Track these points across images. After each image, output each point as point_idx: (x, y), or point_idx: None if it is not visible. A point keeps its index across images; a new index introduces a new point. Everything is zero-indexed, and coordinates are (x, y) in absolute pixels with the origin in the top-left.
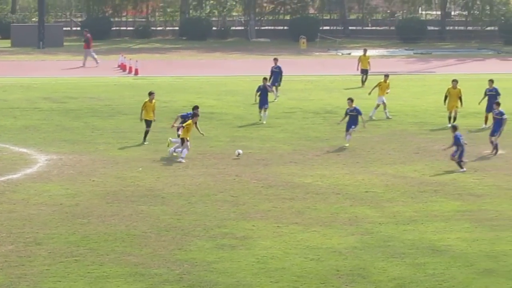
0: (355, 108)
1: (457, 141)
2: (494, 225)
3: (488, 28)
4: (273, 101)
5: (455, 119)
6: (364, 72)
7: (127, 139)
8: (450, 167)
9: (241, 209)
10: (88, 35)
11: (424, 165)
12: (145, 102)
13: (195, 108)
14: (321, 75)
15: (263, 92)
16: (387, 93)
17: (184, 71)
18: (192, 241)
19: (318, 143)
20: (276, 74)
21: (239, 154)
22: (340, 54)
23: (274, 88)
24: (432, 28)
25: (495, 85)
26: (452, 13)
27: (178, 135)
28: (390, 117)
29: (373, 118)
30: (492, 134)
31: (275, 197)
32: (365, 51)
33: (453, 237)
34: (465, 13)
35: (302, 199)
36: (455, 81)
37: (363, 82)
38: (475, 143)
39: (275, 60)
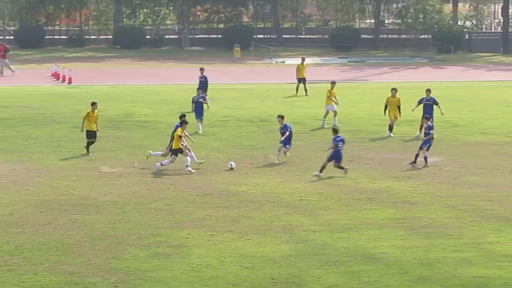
0: (285, 125)
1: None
2: (428, 233)
3: (422, 36)
4: (206, 110)
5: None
6: (302, 80)
7: (61, 148)
8: (385, 175)
9: (175, 218)
10: (4, 45)
11: (359, 173)
12: (88, 113)
13: (183, 116)
14: (255, 84)
15: (197, 103)
16: (334, 101)
17: (118, 79)
18: (126, 249)
19: (252, 152)
20: (202, 84)
21: (232, 167)
22: (274, 62)
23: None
24: (366, 36)
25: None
26: (386, 21)
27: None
28: (325, 126)
29: (337, 125)
30: (420, 147)
31: (209, 206)
32: (303, 59)
33: (388, 244)
34: (399, 21)
35: (236, 208)
36: (394, 90)
37: (297, 90)
38: (410, 151)
39: (201, 70)
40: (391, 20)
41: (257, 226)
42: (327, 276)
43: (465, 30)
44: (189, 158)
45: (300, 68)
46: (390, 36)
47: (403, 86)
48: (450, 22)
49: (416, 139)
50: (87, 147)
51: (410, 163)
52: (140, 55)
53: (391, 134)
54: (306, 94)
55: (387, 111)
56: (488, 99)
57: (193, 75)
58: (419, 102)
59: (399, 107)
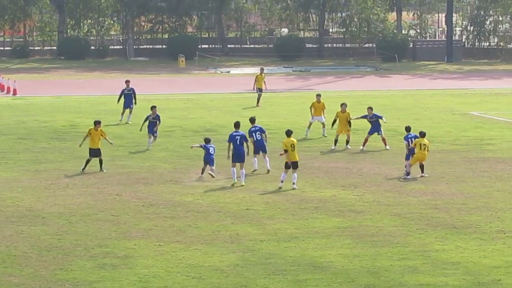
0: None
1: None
2: (375, 241)
3: (366, 45)
4: (126, 123)
5: (348, 142)
6: (260, 90)
7: (6, 159)
8: (331, 184)
9: (122, 228)
10: None
11: (305, 182)
12: (90, 130)
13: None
14: (200, 94)
15: (151, 123)
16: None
17: (63, 90)
18: (73, 260)
19: (198, 161)
20: (129, 97)
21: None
22: (219, 72)
23: (127, 111)
24: (310, 45)
25: (376, 102)
26: (330, 30)
27: None
28: (307, 135)
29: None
30: (407, 157)
31: (156, 216)
32: (261, 70)
33: (334, 253)
34: (343, 30)
35: (183, 217)
36: (344, 105)
37: (258, 101)
38: (356, 160)
39: (127, 82)
40: (335, 29)
41: (204, 236)
42: (274, 285)
43: (409, 38)
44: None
45: (258, 79)
46: (334, 45)
47: (348, 95)
48: (394, 31)
49: (361, 152)
50: (86, 163)
51: (421, 176)
52: (85, 66)
53: (333, 147)
54: (257, 105)
55: (335, 124)
56: (433, 108)
57: (137, 86)
58: (363, 117)
59: (349, 122)
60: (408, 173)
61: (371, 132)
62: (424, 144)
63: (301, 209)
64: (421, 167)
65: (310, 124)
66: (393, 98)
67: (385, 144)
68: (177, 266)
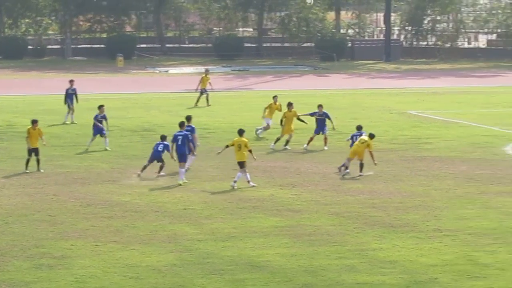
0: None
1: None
2: (313, 240)
3: (305, 45)
4: (72, 123)
5: (288, 142)
6: (205, 91)
7: None
8: (269, 183)
9: (59, 228)
10: None
11: (243, 181)
12: (28, 129)
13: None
14: (138, 93)
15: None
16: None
17: (0, 90)
18: (9, 261)
19: (136, 161)
20: (71, 96)
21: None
22: (158, 71)
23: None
24: (249, 45)
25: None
26: (269, 30)
27: None
28: (260, 136)
29: (260, 136)
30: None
31: (93, 216)
32: (206, 71)
33: (272, 252)
34: (282, 29)
35: (120, 217)
36: (291, 105)
37: (199, 100)
38: (293, 159)
39: (71, 81)
40: (274, 29)
41: (141, 235)
42: (212, 285)
43: (347, 38)
44: None
45: (204, 79)
46: (273, 44)
47: (286, 94)
48: (333, 30)
49: (300, 151)
50: (26, 163)
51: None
52: (22, 66)
53: (288, 147)
54: (208, 104)
55: (283, 125)
56: (370, 107)
57: (75, 85)
58: (311, 115)
59: (298, 118)
60: (345, 167)
61: (317, 131)
62: (364, 140)
63: (239, 208)
64: (360, 166)
65: (268, 126)
66: (332, 97)
67: (325, 144)
68: (114, 266)
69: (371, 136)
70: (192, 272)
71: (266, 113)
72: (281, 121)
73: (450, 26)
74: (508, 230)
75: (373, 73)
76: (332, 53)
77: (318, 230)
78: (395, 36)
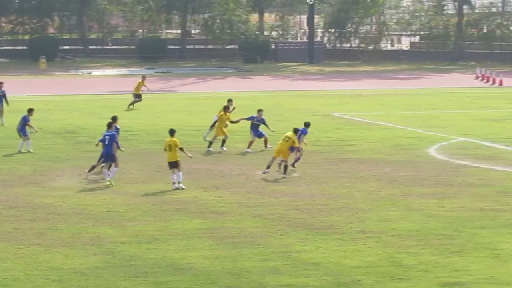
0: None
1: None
2: (236, 242)
3: (228, 47)
4: (2, 125)
5: (224, 142)
6: (137, 96)
7: None
8: (192, 185)
9: None
10: None
11: (166, 183)
12: None
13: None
14: (61, 95)
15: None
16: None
17: None
18: None
19: (59, 164)
20: (0, 98)
21: None
22: (81, 73)
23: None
24: (172, 47)
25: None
26: (193, 32)
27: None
28: (207, 139)
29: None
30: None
31: (15, 219)
32: (143, 77)
33: (196, 255)
34: (206, 32)
35: (43, 220)
36: (227, 108)
37: (132, 104)
38: (217, 161)
39: (1, 84)
40: (197, 31)
41: (64, 238)
42: (135, 287)
43: (271, 40)
44: None
45: (139, 85)
46: (197, 46)
47: (210, 96)
48: (257, 32)
49: (223, 153)
50: None
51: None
52: None
53: (224, 148)
54: (132, 107)
55: (215, 126)
56: (294, 109)
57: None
58: (248, 119)
59: (232, 121)
60: (268, 166)
61: (257, 135)
62: (288, 137)
63: (163, 210)
64: (284, 168)
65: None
66: (255, 99)
67: (249, 147)
68: (36, 269)
69: (307, 124)
70: (115, 274)
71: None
72: (214, 122)
73: (373, 28)
74: (431, 231)
75: (297, 75)
76: (256, 55)
77: (242, 232)
78: (318, 38)
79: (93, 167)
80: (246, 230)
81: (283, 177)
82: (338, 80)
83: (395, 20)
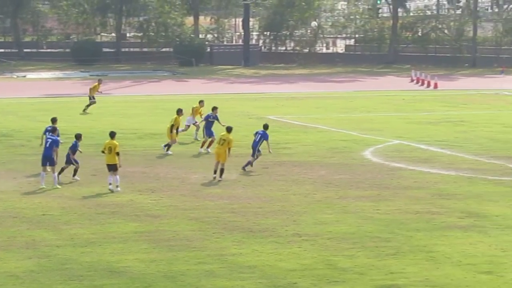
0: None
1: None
2: (172, 245)
3: (164, 50)
4: None
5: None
6: (92, 98)
7: None
8: (128, 188)
9: None
10: None
11: (102, 187)
12: None
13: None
14: None
15: None
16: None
17: None
18: None
19: None
20: None
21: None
22: (16, 76)
23: None
24: (108, 50)
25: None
26: (128, 35)
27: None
28: (198, 139)
29: (198, 139)
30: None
31: None
32: (99, 81)
33: (131, 258)
34: (141, 35)
35: None
36: (180, 111)
37: (88, 107)
38: (152, 164)
39: None
40: (133, 34)
41: None
42: None
43: (206, 43)
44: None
45: (95, 88)
46: (132, 49)
47: (145, 99)
48: (192, 35)
49: (161, 155)
50: None
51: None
52: None
53: (201, 150)
54: (84, 111)
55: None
56: (229, 112)
57: None
58: (204, 119)
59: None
60: (214, 171)
61: (210, 134)
62: (223, 139)
63: (98, 214)
64: (221, 171)
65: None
66: (191, 102)
67: (202, 146)
68: None
69: (265, 127)
70: (51, 278)
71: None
72: (172, 126)
73: (309, 31)
74: (366, 234)
75: (232, 78)
76: (191, 58)
77: (178, 236)
78: (254, 42)
79: (63, 169)
80: (182, 233)
81: (219, 180)
82: (274, 83)
83: (330, 23)
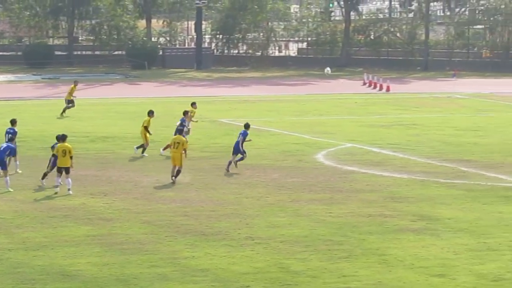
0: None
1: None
2: (124, 249)
3: (116, 53)
4: None
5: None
6: (70, 102)
7: None
8: (80, 192)
9: None
10: None
11: (53, 190)
12: None
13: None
14: None
15: None
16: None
17: None
18: None
19: None
20: None
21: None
22: None
23: None
24: (60, 53)
25: (126, 109)
26: (80, 38)
27: None
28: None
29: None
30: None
31: None
32: (75, 82)
33: (84, 261)
34: (93, 38)
35: None
36: (151, 112)
37: (64, 111)
38: (105, 168)
39: None
40: (85, 37)
41: None
42: None
43: (159, 46)
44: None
45: (72, 90)
46: (84, 52)
47: (98, 102)
48: (144, 38)
49: (114, 159)
50: None
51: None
52: None
53: (145, 154)
54: (65, 114)
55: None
56: (181, 115)
57: None
58: (181, 123)
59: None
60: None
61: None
62: (177, 142)
63: (50, 217)
64: (177, 172)
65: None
66: (143, 105)
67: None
68: None
69: (246, 126)
70: (3, 282)
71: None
72: (145, 128)
73: (261, 34)
74: (319, 237)
75: (185, 81)
76: (144, 61)
77: (130, 239)
78: (206, 45)
79: (45, 174)
80: (135, 237)
81: (172, 181)
82: (226, 86)
83: (282, 27)
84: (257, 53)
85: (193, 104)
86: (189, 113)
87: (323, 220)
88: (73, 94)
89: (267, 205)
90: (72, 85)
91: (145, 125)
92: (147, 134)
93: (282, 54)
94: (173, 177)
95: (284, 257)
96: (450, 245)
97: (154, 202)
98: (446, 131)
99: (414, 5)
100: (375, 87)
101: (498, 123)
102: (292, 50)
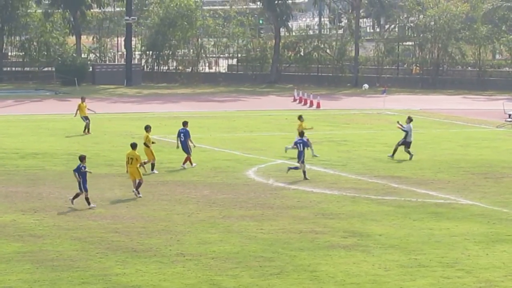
0: None
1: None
2: (55, 266)
3: (46, 69)
4: None
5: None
6: (86, 119)
7: None
8: (10, 208)
9: None
10: None
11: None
12: None
13: None
14: None
15: None
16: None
17: None
18: None
19: None
20: None
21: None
22: None
23: None
24: None
25: (55, 126)
26: (9, 54)
27: None
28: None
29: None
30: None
31: None
32: (82, 99)
33: (14, 278)
34: (22, 54)
35: None
36: (148, 127)
37: (87, 128)
38: (35, 184)
39: None
40: (14, 53)
41: None
42: None
43: (89, 62)
44: None
45: (81, 107)
46: (14, 68)
47: (27, 119)
48: (74, 54)
49: (44, 176)
50: None
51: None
52: None
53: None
54: (88, 132)
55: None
56: (112, 131)
57: None
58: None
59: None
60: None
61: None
62: (131, 158)
63: None
64: (138, 184)
65: None
66: (73, 122)
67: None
68: None
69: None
70: None
71: None
72: (145, 145)
73: (191, 51)
74: (250, 254)
75: (115, 98)
76: (73, 77)
77: (61, 256)
78: (136, 61)
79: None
80: (65, 253)
81: (134, 191)
82: (156, 103)
83: (212, 43)
84: (187, 70)
85: (300, 117)
86: None
87: (254, 237)
88: (87, 108)
89: (198, 222)
90: (80, 102)
91: (144, 141)
92: (151, 149)
93: (212, 70)
94: (135, 190)
95: (215, 274)
96: (381, 262)
97: (84, 218)
98: (376, 147)
99: (344, 21)
100: (305, 103)
101: (428, 140)
102: (222, 66)
